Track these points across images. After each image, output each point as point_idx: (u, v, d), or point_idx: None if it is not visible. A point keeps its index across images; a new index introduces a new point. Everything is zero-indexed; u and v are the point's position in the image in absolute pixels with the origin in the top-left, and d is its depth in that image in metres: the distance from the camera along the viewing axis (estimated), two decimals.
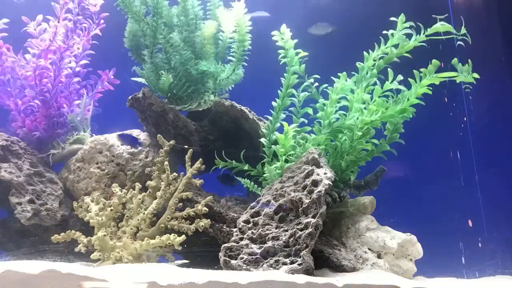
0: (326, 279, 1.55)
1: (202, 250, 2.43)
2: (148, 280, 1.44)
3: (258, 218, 2.06)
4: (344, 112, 2.37)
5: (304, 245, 1.86)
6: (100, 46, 2.95)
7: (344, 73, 2.39)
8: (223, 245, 1.96)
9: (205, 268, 1.78)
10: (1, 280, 1.42)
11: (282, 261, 1.85)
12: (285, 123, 2.33)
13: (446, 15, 2.15)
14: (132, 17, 2.71)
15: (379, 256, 2.17)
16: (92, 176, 2.60)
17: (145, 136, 2.73)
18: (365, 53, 2.36)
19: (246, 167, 2.52)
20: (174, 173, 2.37)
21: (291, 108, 2.57)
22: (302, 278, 1.53)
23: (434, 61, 2.16)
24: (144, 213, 2.27)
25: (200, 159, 2.38)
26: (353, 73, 2.41)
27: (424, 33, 2.18)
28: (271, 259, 1.88)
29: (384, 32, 2.29)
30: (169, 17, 2.76)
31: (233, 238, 2.01)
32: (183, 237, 2.15)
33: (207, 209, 2.27)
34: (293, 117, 2.56)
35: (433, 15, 2.15)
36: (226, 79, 2.71)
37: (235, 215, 2.33)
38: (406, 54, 2.26)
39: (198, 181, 2.40)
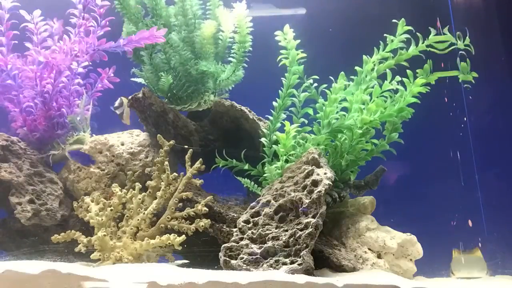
0: (326, 279, 1.55)
1: (202, 250, 2.42)
2: (148, 280, 1.44)
3: (258, 218, 2.06)
4: (344, 113, 2.37)
5: (304, 245, 1.86)
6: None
7: (342, 73, 2.39)
8: (223, 245, 1.96)
9: (205, 268, 1.79)
10: (1, 280, 1.42)
11: (282, 261, 1.85)
12: (286, 123, 2.33)
13: (448, 26, 2.15)
14: (130, 18, 2.71)
15: (379, 256, 2.17)
16: (92, 176, 2.60)
17: (145, 136, 2.73)
18: (364, 56, 2.37)
19: (246, 167, 2.52)
20: (174, 173, 2.37)
21: (291, 108, 2.57)
22: (302, 278, 1.53)
23: (429, 61, 2.18)
24: (144, 213, 2.27)
25: (200, 159, 2.38)
26: (352, 77, 2.42)
27: (423, 43, 2.21)
28: (271, 259, 1.88)
29: (385, 35, 2.30)
30: (167, 17, 2.76)
31: (233, 238, 2.01)
32: (183, 237, 2.15)
33: (207, 209, 2.27)
34: (293, 117, 2.56)
35: (429, 27, 2.16)
36: (226, 79, 2.71)
37: (235, 215, 2.33)
38: (404, 63, 2.28)
39: (198, 181, 2.40)
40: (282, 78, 2.51)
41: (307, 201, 1.98)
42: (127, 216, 2.30)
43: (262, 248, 1.91)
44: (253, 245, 1.94)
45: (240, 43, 2.66)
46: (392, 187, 2.97)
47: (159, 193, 2.33)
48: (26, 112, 2.70)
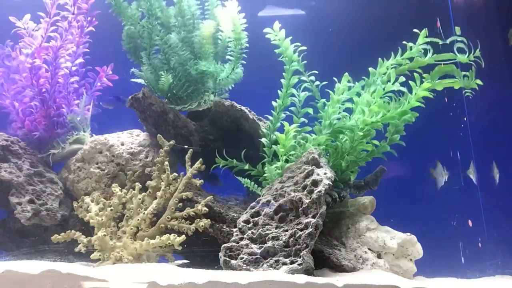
0: (326, 279, 1.55)
1: (202, 250, 2.43)
2: (148, 280, 1.44)
3: (258, 218, 2.06)
4: (347, 114, 2.37)
5: (304, 245, 1.86)
6: (101, 46, 2.94)
7: (346, 73, 2.39)
8: (223, 245, 1.96)
9: (205, 268, 1.79)
10: (1, 280, 1.42)
11: (282, 261, 1.85)
12: (286, 123, 2.33)
13: (453, 38, 2.14)
14: (126, 20, 2.71)
15: (379, 256, 2.17)
16: (92, 176, 2.60)
17: (145, 136, 2.73)
18: (380, 59, 2.36)
19: (246, 167, 2.52)
20: (174, 173, 2.37)
21: (291, 108, 2.57)
22: (302, 278, 1.53)
23: (438, 67, 2.16)
24: (144, 213, 2.27)
25: (200, 159, 2.38)
26: (363, 77, 2.41)
27: (434, 54, 2.19)
28: (271, 259, 1.88)
29: (404, 42, 2.28)
30: (165, 18, 2.76)
31: (233, 238, 2.01)
32: (183, 237, 2.15)
33: (207, 209, 2.27)
34: (293, 117, 2.56)
35: (434, 40, 2.15)
36: (225, 78, 2.71)
37: (235, 215, 2.33)
38: (418, 70, 2.27)
39: (198, 181, 2.40)
40: (281, 80, 2.51)
41: (307, 201, 1.98)
42: (127, 216, 2.30)
43: (262, 248, 1.91)
44: (253, 245, 1.94)
45: (236, 40, 2.65)
46: (392, 187, 2.97)
47: (159, 193, 2.33)
48: (25, 113, 2.70)
